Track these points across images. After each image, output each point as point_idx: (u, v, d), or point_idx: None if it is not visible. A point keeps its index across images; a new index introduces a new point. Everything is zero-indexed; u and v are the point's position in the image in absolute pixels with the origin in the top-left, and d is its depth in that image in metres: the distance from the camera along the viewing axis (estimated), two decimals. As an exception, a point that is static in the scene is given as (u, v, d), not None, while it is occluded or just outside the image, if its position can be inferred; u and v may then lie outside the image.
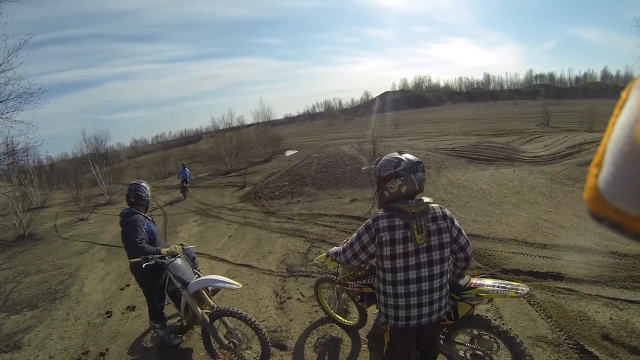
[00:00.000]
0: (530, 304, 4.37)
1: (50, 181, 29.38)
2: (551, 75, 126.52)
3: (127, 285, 6.78)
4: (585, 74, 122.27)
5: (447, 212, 2.36)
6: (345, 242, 2.96)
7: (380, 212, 2.30)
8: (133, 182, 4.53)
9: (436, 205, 2.32)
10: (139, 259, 3.76)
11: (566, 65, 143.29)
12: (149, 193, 4.46)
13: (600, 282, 4.79)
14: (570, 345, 3.60)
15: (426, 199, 2.31)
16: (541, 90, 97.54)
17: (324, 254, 3.77)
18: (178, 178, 17.38)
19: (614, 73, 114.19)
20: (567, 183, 10.49)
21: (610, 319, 3.95)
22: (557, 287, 4.73)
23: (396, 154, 2.30)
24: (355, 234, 2.36)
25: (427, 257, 2.22)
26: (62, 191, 25.41)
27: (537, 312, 4.21)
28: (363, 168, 2.49)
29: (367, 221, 2.28)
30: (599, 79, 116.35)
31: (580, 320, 3.97)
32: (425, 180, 2.30)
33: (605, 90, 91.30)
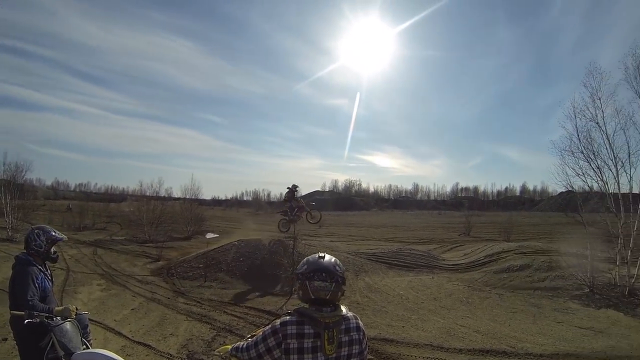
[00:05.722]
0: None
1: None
2: (475, 189, 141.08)
3: (5, 340, 6.29)
4: (506, 189, 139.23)
5: (361, 323, 2.42)
6: (250, 338, 2.93)
7: (289, 317, 2.24)
8: (37, 226, 4.24)
9: (351, 315, 2.34)
10: (23, 312, 3.49)
11: (489, 180, 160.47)
12: (44, 245, 4.15)
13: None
14: None
15: (343, 309, 2.35)
16: (465, 202, 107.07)
17: (228, 346, 3.69)
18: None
19: (531, 188, 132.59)
20: (484, 289, 11.30)
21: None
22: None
23: (315, 255, 2.33)
24: (261, 333, 2.33)
25: None
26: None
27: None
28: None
29: (274, 323, 2.24)
30: (518, 193, 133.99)
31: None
32: (331, 290, 2.25)
33: (523, 204, 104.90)
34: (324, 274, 2.22)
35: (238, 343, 2.67)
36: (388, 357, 6.47)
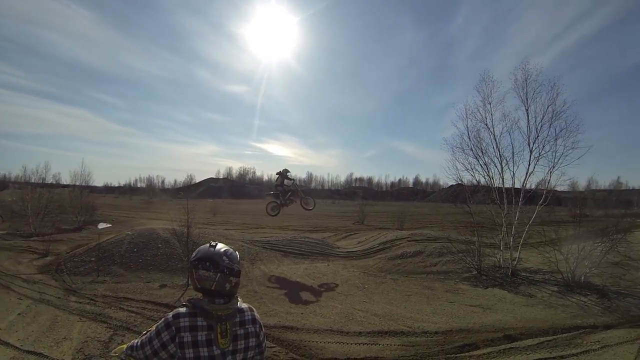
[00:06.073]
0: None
1: None
2: (370, 179, 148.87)
3: None
4: (400, 180, 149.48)
5: (257, 315, 2.41)
6: (144, 334, 2.75)
7: (183, 309, 2.22)
8: None
9: (246, 307, 2.34)
10: None
11: (384, 172, 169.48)
12: None
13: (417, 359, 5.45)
14: None
15: (238, 301, 2.32)
16: (359, 192, 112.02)
17: (124, 345, 3.43)
18: None
19: (424, 180, 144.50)
20: (380, 275, 11.89)
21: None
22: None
23: (207, 244, 2.33)
24: (154, 328, 2.26)
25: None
26: None
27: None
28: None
29: (166, 316, 2.21)
30: (411, 185, 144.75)
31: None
32: (216, 281, 2.23)
33: (416, 195, 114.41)
34: (208, 264, 2.23)
35: (133, 341, 2.54)
36: (290, 344, 6.52)
